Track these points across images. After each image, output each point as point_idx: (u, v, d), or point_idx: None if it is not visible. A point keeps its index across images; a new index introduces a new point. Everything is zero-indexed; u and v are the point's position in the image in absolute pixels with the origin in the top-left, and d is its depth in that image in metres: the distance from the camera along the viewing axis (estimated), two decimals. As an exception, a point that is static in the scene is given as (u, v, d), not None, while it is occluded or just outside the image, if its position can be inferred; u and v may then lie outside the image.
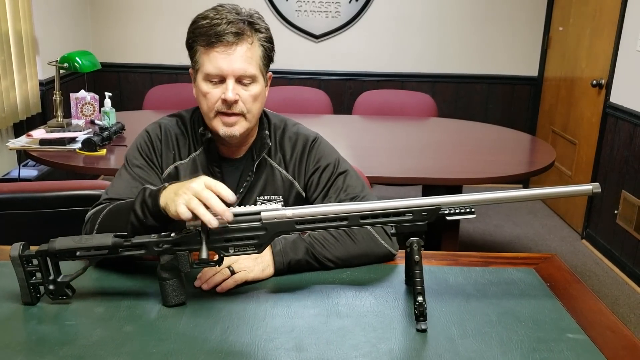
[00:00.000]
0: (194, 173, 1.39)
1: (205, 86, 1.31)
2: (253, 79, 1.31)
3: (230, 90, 1.28)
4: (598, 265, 3.41)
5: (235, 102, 1.29)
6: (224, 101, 1.29)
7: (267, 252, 1.23)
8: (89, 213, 1.31)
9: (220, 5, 1.31)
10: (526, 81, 4.51)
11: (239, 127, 1.32)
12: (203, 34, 1.28)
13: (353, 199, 1.36)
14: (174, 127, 1.42)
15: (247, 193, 1.40)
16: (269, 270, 1.23)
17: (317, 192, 1.41)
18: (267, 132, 1.41)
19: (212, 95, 1.30)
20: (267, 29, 1.34)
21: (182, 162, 1.40)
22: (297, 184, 1.42)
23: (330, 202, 1.36)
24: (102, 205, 1.30)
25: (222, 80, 1.29)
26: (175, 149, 1.40)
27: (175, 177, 1.40)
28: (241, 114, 1.31)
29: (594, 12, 3.70)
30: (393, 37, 4.43)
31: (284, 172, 1.42)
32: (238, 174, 1.41)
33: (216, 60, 1.28)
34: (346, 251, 1.27)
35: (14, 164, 3.44)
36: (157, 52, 4.41)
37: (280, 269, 1.23)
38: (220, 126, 1.32)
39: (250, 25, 1.29)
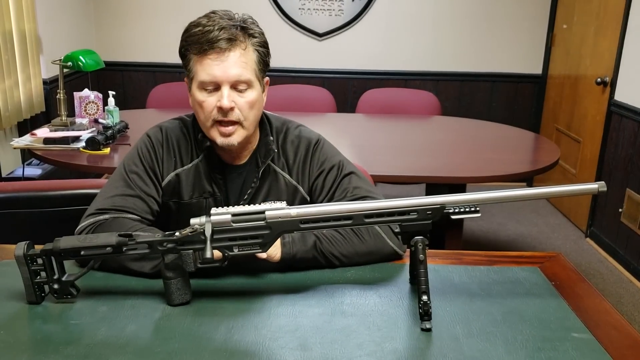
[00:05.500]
0: (196, 180, 1.37)
1: (200, 95, 1.29)
2: (249, 85, 1.28)
3: (226, 97, 1.26)
4: (602, 263, 3.40)
5: (232, 109, 1.27)
6: (220, 109, 1.27)
7: (277, 241, 1.20)
8: (81, 226, 1.28)
9: (213, 12, 1.28)
10: (530, 79, 4.50)
11: (236, 137, 1.30)
12: (195, 42, 1.26)
13: (360, 200, 1.34)
14: (176, 131, 1.39)
15: (251, 200, 1.38)
16: (277, 255, 1.21)
17: (322, 195, 1.39)
18: (271, 138, 1.39)
19: (207, 104, 1.28)
20: (261, 34, 1.32)
21: (184, 168, 1.37)
22: (301, 189, 1.41)
23: None
24: (95, 220, 1.27)
25: (217, 87, 1.27)
26: (177, 155, 1.38)
27: (176, 185, 1.37)
28: (238, 122, 1.29)
29: (598, 9, 3.68)
30: (396, 35, 4.42)
31: (287, 177, 1.40)
32: (241, 181, 1.39)
33: (210, 67, 1.25)
34: (353, 249, 1.27)
35: (18, 162, 3.45)
36: (161, 50, 4.41)
37: (287, 259, 1.22)
38: (217, 136, 1.30)
39: (243, 30, 1.27)
